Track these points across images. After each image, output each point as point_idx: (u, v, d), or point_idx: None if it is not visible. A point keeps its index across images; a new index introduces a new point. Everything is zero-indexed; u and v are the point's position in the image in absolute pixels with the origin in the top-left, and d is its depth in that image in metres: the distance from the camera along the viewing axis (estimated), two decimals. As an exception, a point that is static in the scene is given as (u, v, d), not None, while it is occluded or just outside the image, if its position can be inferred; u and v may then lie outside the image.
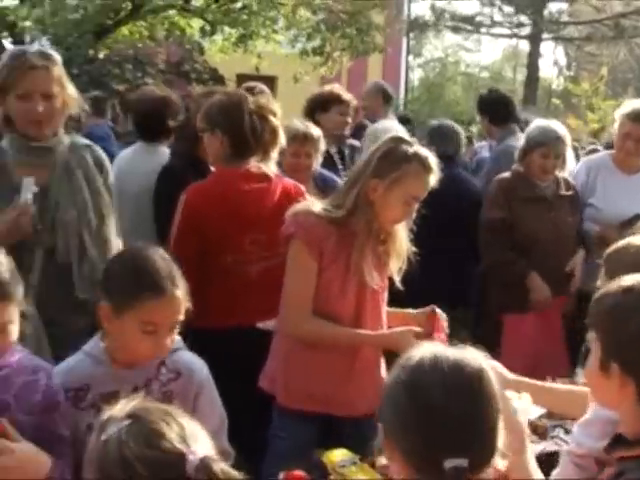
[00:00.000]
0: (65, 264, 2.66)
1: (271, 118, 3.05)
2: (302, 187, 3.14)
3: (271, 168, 3.09)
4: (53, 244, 2.67)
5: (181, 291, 2.04)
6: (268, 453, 2.77)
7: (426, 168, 2.62)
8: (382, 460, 2.25)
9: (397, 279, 2.77)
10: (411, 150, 2.62)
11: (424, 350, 1.46)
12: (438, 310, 2.74)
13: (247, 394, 2.76)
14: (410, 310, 2.83)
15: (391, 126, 5.91)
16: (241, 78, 13.36)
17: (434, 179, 2.64)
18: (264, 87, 4.40)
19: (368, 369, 2.78)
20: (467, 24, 24.11)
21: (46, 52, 2.70)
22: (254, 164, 3.03)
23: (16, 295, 1.82)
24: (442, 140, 4.29)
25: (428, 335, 2.61)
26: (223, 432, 2.20)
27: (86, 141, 2.91)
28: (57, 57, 2.72)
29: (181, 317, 2.05)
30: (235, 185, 2.99)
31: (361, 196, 2.61)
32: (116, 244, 2.80)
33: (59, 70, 2.70)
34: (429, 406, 1.39)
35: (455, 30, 25.16)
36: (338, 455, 2.38)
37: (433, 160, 2.65)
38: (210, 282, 2.88)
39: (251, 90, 6.03)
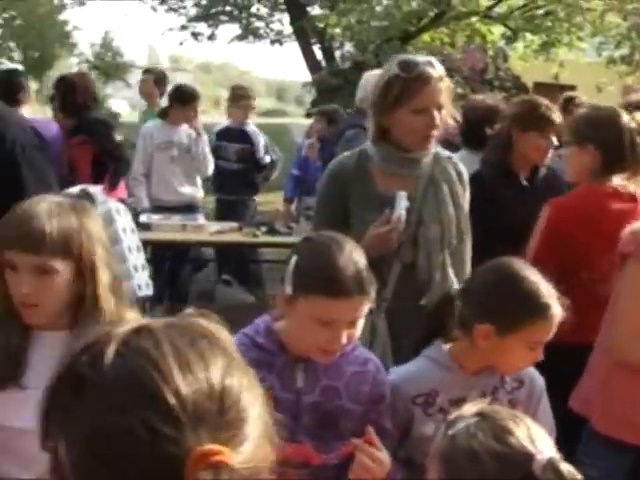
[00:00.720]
0: (421, 280, 2.58)
1: None
2: None
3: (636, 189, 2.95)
4: (412, 259, 2.58)
5: (559, 306, 2.05)
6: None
7: None
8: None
9: None
10: None
11: None
12: None
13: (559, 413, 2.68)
14: None
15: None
16: (539, 87, 13.06)
17: None
18: (584, 98, 4.25)
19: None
20: None
21: (433, 62, 2.55)
22: (620, 183, 2.93)
23: (371, 294, 1.87)
24: None
25: None
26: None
27: (448, 153, 2.79)
28: (440, 66, 2.59)
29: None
30: (601, 203, 2.92)
31: None
32: (469, 264, 2.71)
33: (447, 80, 2.58)
34: None
35: None
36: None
37: None
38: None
39: (572, 100, 5.88)
